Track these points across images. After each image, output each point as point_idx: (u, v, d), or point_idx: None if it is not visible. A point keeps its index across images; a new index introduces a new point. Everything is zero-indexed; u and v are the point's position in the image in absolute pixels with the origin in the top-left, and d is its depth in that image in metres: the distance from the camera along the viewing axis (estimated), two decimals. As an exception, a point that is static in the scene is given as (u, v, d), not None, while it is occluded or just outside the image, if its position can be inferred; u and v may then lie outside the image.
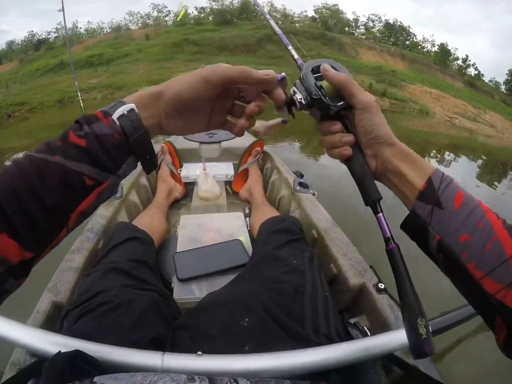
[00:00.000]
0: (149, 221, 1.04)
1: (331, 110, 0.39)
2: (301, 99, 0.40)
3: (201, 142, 1.70)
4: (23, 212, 0.28)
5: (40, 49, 28.54)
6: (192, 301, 0.79)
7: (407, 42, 41.73)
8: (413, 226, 0.37)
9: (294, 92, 0.40)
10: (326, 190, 2.47)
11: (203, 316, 0.58)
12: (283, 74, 0.38)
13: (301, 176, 1.36)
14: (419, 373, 0.51)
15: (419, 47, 41.11)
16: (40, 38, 39.38)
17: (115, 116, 0.33)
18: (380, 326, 0.65)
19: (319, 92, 0.39)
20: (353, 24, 43.26)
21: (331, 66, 0.40)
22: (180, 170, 1.51)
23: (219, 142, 1.71)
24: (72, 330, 0.51)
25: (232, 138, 1.73)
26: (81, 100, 0.97)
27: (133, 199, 1.26)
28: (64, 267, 0.78)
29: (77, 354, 0.38)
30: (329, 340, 0.52)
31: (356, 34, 40.66)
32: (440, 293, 1.17)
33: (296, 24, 37.15)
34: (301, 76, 0.41)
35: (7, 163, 3.94)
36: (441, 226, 0.34)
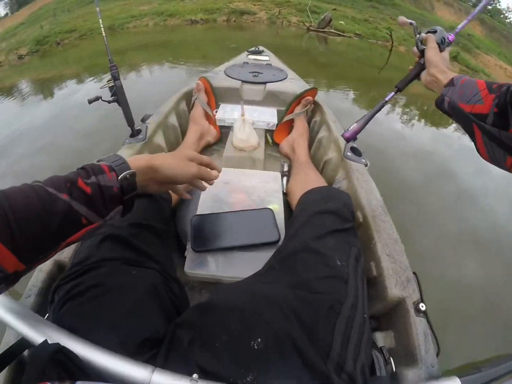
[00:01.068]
0: None
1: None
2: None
3: (243, 81, 1.47)
4: (28, 232, 0.33)
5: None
6: (205, 277, 0.70)
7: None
8: (439, 99, 0.59)
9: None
10: (378, 162, 2.08)
11: (210, 318, 0.47)
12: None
13: (354, 138, 1.11)
14: None
15: (502, 16, 35.94)
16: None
17: (120, 177, 0.42)
18: (407, 353, 0.56)
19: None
20: (433, -27, 37.09)
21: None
22: (216, 111, 1.32)
23: (265, 83, 1.47)
24: (59, 316, 0.46)
25: (280, 80, 1.49)
26: (104, 36, 0.87)
27: (158, 142, 1.11)
28: None
29: (61, 350, 0.37)
30: (351, 381, 0.41)
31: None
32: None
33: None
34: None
35: (56, 90, 4.06)
36: (451, 93, 0.56)
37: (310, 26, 8.82)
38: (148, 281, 0.51)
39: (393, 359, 0.54)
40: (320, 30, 8.64)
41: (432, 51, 0.66)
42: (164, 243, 0.66)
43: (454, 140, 3.15)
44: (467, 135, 0.53)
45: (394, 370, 0.53)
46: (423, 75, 0.69)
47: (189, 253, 0.73)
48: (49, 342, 0.37)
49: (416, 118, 3.79)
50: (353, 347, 0.44)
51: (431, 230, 1.81)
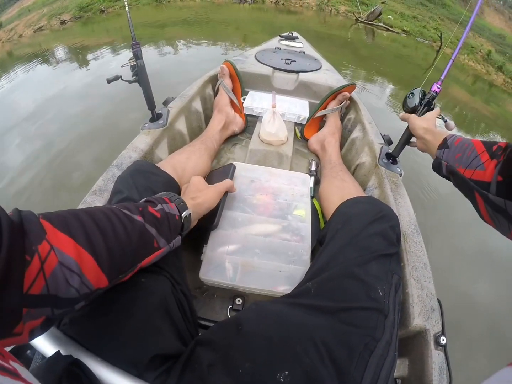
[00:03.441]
0: (185, 163, 0.82)
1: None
2: None
3: (275, 68, 1.38)
4: (112, 249, 0.36)
5: None
6: (221, 285, 0.66)
7: None
8: (435, 163, 0.60)
9: None
10: (409, 171, 2.03)
11: (236, 341, 0.44)
12: None
13: (390, 143, 1.04)
14: None
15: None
16: None
17: (183, 215, 0.50)
18: None
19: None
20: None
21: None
22: (244, 99, 1.24)
23: (297, 72, 1.37)
24: (65, 328, 0.43)
25: (314, 70, 1.40)
26: (128, 12, 0.83)
27: (180, 128, 1.05)
28: None
29: (76, 363, 0.36)
30: None
31: (488, -12, 32.65)
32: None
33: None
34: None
35: (90, 57, 4.10)
36: (447, 156, 0.56)
37: (359, 17, 8.57)
38: (158, 293, 0.47)
39: None
40: (369, 22, 8.38)
41: (411, 120, 0.74)
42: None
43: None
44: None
45: None
46: (414, 141, 0.78)
47: (205, 257, 0.68)
48: (62, 353, 0.37)
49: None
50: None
51: (448, 242, 1.76)
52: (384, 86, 3.93)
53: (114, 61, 3.77)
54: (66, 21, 7.07)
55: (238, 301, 0.70)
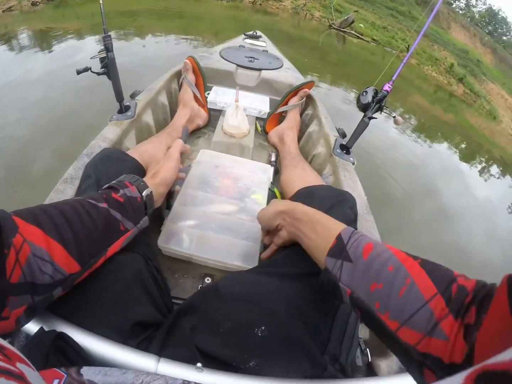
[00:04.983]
0: (151, 151, 0.84)
1: None
2: None
3: (238, 65, 1.43)
4: (79, 235, 0.39)
5: None
6: (178, 254, 0.70)
7: (504, 38, 37.47)
8: (327, 283, 0.39)
9: None
10: (363, 161, 2.13)
11: (215, 305, 0.47)
12: None
13: (344, 135, 1.14)
14: None
15: (515, 49, 35.77)
16: None
17: (144, 194, 0.52)
18: (380, 344, 0.58)
19: None
20: (456, -7, 37.05)
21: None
22: (208, 93, 1.28)
23: (260, 69, 1.44)
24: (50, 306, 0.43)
25: (276, 69, 1.47)
26: (101, 3, 0.81)
27: (147, 120, 1.08)
28: (53, 198, 0.65)
29: (61, 336, 0.37)
30: (342, 372, 0.44)
31: (454, 5, 35.10)
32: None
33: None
34: None
35: (54, 42, 3.90)
36: (351, 279, 0.35)
37: (332, 23, 8.85)
38: (133, 266, 0.49)
39: (368, 350, 0.57)
40: (341, 29, 8.68)
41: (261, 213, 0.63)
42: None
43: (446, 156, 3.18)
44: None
45: (370, 360, 0.56)
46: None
47: (164, 228, 0.71)
48: (45, 329, 0.37)
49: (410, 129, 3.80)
50: (347, 340, 0.46)
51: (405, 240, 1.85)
52: (349, 89, 4.11)
53: (82, 52, 3.64)
54: (38, 3, 6.65)
55: (208, 280, 0.72)
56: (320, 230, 0.43)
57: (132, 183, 0.51)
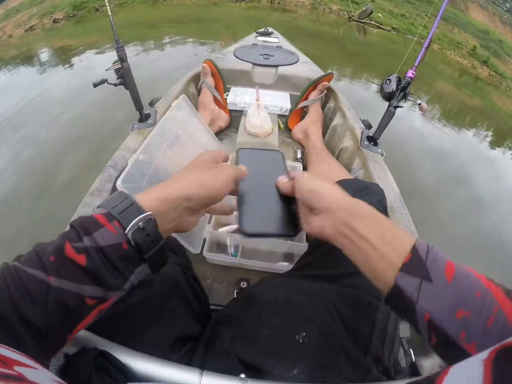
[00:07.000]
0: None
1: None
2: None
3: (254, 64, 1.41)
4: (8, 333, 0.24)
5: None
6: (224, 263, 0.70)
7: None
8: (396, 305, 0.30)
9: None
10: (393, 153, 2.02)
11: (252, 313, 0.45)
12: None
13: (369, 127, 1.09)
14: None
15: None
16: None
17: (129, 230, 0.29)
18: (423, 343, 0.54)
19: None
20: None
21: None
22: (227, 95, 1.27)
23: (276, 66, 1.41)
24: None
25: (292, 64, 1.43)
26: (110, 16, 0.80)
27: None
28: (81, 212, 0.66)
29: (103, 354, 0.34)
30: (386, 374, 0.41)
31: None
32: None
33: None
34: None
35: (75, 59, 4.06)
36: (432, 302, 0.28)
37: (352, 15, 8.78)
38: (171, 277, 0.48)
39: (412, 350, 0.56)
40: (361, 20, 8.58)
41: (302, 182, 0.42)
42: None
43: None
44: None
45: (413, 360, 0.54)
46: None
47: (209, 235, 0.70)
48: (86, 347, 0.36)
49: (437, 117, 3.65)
50: (389, 340, 0.44)
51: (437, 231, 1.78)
52: (370, 80, 4.00)
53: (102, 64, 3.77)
54: (59, 20, 6.95)
55: (243, 284, 0.71)
56: (391, 239, 0.32)
57: (114, 216, 0.30)
